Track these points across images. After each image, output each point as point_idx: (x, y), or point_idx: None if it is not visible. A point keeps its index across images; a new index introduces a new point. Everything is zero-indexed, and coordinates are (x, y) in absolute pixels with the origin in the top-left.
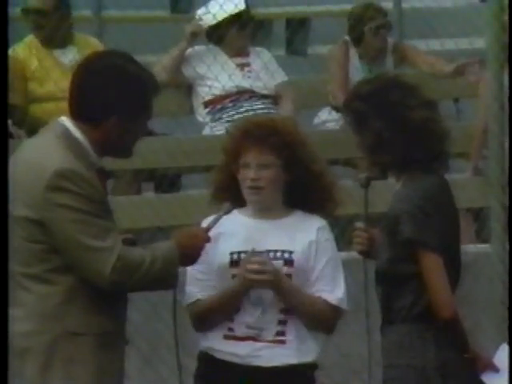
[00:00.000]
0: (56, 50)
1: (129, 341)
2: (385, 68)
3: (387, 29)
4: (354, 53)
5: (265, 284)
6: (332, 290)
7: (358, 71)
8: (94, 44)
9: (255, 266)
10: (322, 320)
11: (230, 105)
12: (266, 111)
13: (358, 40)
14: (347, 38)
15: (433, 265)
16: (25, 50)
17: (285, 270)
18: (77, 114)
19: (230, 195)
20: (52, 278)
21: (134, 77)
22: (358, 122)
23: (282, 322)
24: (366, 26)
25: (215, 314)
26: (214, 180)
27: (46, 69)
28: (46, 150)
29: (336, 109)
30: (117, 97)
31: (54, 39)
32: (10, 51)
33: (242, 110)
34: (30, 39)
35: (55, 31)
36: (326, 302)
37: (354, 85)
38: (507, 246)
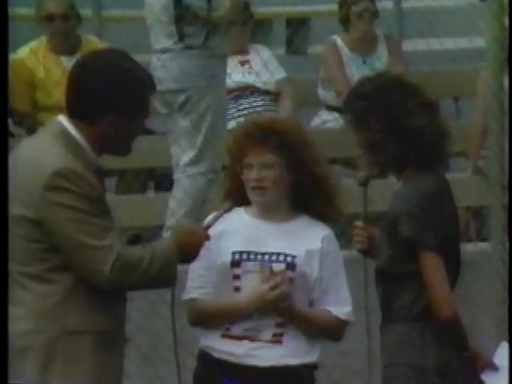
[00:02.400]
0: (63, 56)
1: (128, 339)
2: (378, 59)
3: (372, 15)
4: (343, 49)
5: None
6: (341, 304)
7: (350, 67)
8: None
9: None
10: (330, 333)
11: (231, 102)
12: (265, 108)
13: (346, 26)
14: (334, 37)
15: (432, 264)
16: (31, 56)
17: (287, 273)
18: (74, 113)
19: (239, 197)
20: (51, 277)
21: (130, 75)
22: (357, 121)
23: (280, 325)
24: (351, 9)
25: (212, 320)
26: (223, 184)
27: (53, 78)
28: (44, 149)
29: (335, 109)
30: (113, 95)
31: (64, 46)
32: (14, 55)
33: (241, 107)
34: (36, 45)
35: (66, 38)
36: (334, 317)
37: (350, 83)
38: (507, 245)
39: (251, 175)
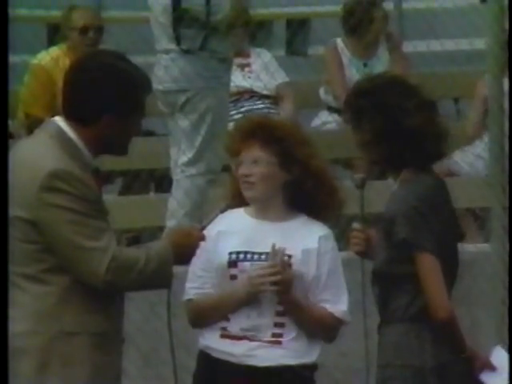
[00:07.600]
0: None
1: (124, 339)
2: (379, 61)
3: (382, 21)
4: (344, 52)
5: (274, 288)
6: (336, 302)
7: (351, 69)
8: None
9: (268, 270)
10: (324, 331)
11: (231, 105)
12: (266, 111)
13: (352, 30)
14: (335, 40)
15: (429, 266)
16: (52, 64)
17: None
18: (70, 114)
19: (242, 197)
20: (47, 278)
21: (125, 75)
22: (355, 119)
23: (279, 325)
24: (355, 15)
25: (212, 313)
26: (230, 184)
27: None
28: (40, 151)
29: (336, 110)
30: (109, 96)
31: None
32: (35, 60)
33: (242, 109)
34: (56, 52)
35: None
36: (330, 314)
37: (349, 85)
38: (507, 246)
39: (241, 171)
